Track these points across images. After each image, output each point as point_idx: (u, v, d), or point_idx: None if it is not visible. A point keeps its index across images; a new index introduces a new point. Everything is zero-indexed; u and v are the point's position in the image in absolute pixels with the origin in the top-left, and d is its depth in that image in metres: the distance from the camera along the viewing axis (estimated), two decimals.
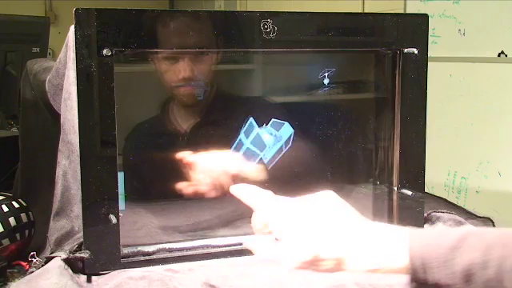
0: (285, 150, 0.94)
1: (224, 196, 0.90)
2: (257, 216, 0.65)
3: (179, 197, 0.91)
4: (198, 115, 0.95)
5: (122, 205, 0.82)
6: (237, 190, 0.68)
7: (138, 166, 0.91)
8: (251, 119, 0.92)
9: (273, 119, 0.94)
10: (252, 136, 0.93)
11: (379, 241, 0.58)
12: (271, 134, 0.94)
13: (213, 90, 0.95)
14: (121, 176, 0.81)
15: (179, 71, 0.89)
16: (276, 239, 0.63)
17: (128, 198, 0.84)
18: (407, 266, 0.55)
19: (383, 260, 0.57)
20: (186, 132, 0.94)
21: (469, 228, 0.56)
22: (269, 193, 0.67)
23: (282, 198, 0.65)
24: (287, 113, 0.96)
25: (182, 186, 0.89)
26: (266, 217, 0.64)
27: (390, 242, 0.58)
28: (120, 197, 0.80)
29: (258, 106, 0.99)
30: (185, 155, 0.89)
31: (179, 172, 0.90)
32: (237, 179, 0.90)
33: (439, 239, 0.55)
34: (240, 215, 0.93)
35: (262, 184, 0.94)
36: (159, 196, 0.91)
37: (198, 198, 0.92)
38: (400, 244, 0.57)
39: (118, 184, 0.79)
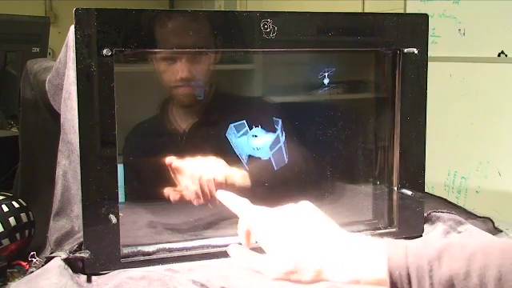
0: (283, 149, 0.94)
1: (209, 203, 0.90)
2: (241, 223, 0.67)
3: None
4: (197, 115, 0.95)
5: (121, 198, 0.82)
6: (221, 196, 0.71)
7: (138, 165, 0.91)
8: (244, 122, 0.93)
9: (273, 118, 0.94)
10: (242, 137, 0.93)
11: (359, 252, 0.58)
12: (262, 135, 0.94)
13: (212, 90, 0.95)
14: (120, 170, 0.81)
15: (177, 72, 0.89)
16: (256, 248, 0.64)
17: (128, 198, 0.84)
18: (386, 277, 0.55)
19: (363, 271, 0.57)
20: (185, 132, 0.94)
21: (449, 239, 0.56)
22: (245, 201, 0.68)
23: (260, 207, 0.67)
24: (287, 113, 0.96)
25: (167, 191, 0.89)
26: (248, 225, 0.66)
27: (369, 253, 0.58)
28: (120, 191, 0.80)
29: (258, 106, 0.99)
30: (172, 160, 0.89)
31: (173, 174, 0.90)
32: (222, 186, 0.90)
33: (420, 250, 0.55)
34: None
35: (263, 185, 0.94)
36: (159, 196, 0.91)
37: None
38: (379, 255, 0.56)
39: (119, 180, 0.79)
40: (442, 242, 0.56)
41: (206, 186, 0.89)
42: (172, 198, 0.89)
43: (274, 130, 0.94)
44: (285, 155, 0.95)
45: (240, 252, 0.66)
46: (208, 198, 0.89)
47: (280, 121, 0.94)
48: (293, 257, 0.60)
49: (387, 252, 0.56)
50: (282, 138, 0.94)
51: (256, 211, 0.66)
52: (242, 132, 0.92)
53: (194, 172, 0.89)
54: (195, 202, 0.89)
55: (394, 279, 0.54)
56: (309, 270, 0.59)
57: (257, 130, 0.93)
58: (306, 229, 0.62)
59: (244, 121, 0.92)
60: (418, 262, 0.54)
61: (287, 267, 0.60)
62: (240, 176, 0.93)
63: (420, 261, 0.54)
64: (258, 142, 0.93)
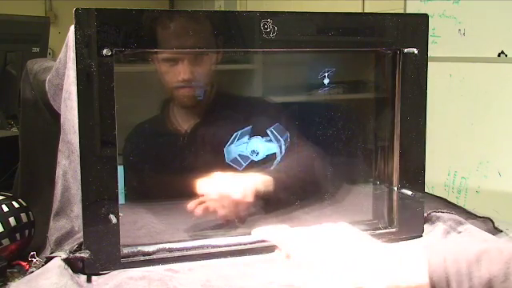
0: (283, 153, 0.94)
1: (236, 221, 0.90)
2: (281, 251, 0.69)
3: (179, 197, 0.92)
4: (198, 115, 0.95)
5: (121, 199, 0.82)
6: (259, 235, 0.74)
7: (138, 165, 0.91)
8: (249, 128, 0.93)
9: (277, 123, 0.94)
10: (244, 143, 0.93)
11: (398, 258, 0.60)
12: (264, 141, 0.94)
13: (213, 90, 0.95)
14: (120, 171, 0.81)
15: (179, 73, 0.89)
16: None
17: (128, 198, 0.84)
18: (427, 281, 0.57)
19: (403, 276, 0.59)
20: (186, 132, 0.94)
21: (486, 244, 0.58)
22: (284, 228, 0.71)
23: (299, 229, 0.69)
24: (287, 113, 0.96)
25: (192, 205, 0.89)
26: (288, 250, 0.68)
27: (409, 259, 0.60)
28: (120, 193, 0.80)
29: (258, 106, 0.99)
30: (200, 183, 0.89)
31: (179, 172, 0.90)
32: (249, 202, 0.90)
33: (458, 254, 0.57)
34: (240, 215, 0.93)
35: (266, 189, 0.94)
36: (159, 196, 0.91)
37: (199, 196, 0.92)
38: (419, 260, 0.58)
39: (118, 182, 0.79)
40: (480, 247, 0.58)
41: (235, 209, 0.89)
42: (196, 213, 0.89)
43: (275, 135, 0.94)
44: (285, 156, 0.95)
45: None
46: (236, 218, 0.90)
47: (278, 124, 0.94)
48: (333, 271, 0.62)
49: (426, 257, 0.58)
50: (282, 141, 0.94)
51: (295, 235, 0.69)
52: (242, 140, 0.93)
53: (222, 193, 0.89)
54: (222, 221, 0.90)
55: (433, 282, 0.56)
56: (350, 282, 0.61)
57: (256, 139, 0.93)
58: (344, 243, 0.64)
59: (250, 127, 0.93)
60: (457, 265, 0.56)
61: (329, 281, 0.62)
62: (264, 183, 0.93)
63: (459, 264, 0.56)
64: (258, 146, 0.93)
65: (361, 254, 0.62)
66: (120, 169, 0.80)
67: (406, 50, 0.90)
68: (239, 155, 0.94)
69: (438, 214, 0.97)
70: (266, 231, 0.73)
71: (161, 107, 0.96)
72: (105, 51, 0.76)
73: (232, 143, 0.93)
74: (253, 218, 0.94)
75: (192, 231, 0.90)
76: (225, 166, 0.95)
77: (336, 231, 0.66)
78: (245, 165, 0.94)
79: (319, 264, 0.63)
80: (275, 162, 0.96)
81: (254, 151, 0.94)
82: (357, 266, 0.61)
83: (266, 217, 0.94)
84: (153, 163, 0.91)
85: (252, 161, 0.95)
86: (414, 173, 0.93)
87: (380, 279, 0.59)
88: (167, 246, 0.85)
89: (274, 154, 0.96)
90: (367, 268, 0.60)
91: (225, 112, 0.96)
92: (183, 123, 0.94)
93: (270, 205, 0.95)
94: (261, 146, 0.94)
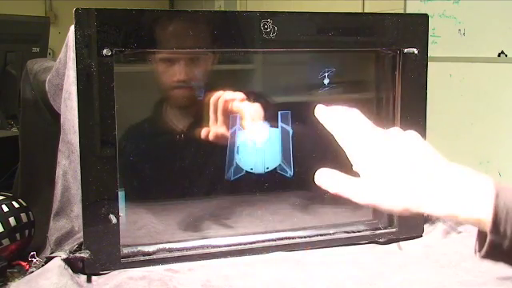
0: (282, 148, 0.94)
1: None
2: (322, 173, 0.62)
3: (179, 196, 0.91)
4: (194, 116, 0.95)
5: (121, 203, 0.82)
6: (318, 111, 0.66)
7: (136, 166, 0.91)
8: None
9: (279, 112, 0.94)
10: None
11: (464, 186, 0.55)
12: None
13: (211, 91, 0.95)
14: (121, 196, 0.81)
15: (175, 74, 0.89)
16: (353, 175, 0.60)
17: (128, 198, 0.84)
18: (490, 218, 0.52)
19: (465, 206, 0.54)
20: (182, 131, 0.94)
21: None
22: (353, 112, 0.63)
23: (363, 126, 0.62)
24: (286, 112, 0.95)
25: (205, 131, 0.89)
26: (348, 147, 0.61)
27: (475, 188, 0.54)
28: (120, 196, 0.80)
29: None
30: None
31: (177, 171, 0.90)
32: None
33: None
34: (239, 215, 0.93)
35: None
36: (159, 196, 0.91)
37: (197, 198, 0.92)
38: (486, 192, 0.53)
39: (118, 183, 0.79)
40: None
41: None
42: (203, 135, 0.89)
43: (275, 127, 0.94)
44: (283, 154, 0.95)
45: (328, 176, 0.62)
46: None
47: (280, 118, 0.94)
48: (388, 184, 0.57)
49: (495, 190, 0.53)
50: (280, 137, 0.94)
51: (358, 128, 0.62)
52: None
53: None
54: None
55: (497, 219, 0.52)
56: (400, 199, 0.56)
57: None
58: (408, 157, 0.58)
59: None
60: None
61: (380, 194, 0.57)
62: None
63: None
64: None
65: (426, 172, 0.56)
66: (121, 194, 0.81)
67: (405, 50, 0.90)
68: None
69: None
70: (331, 116, 0.64)
71: (158, 107, 0.95)
72: (105, 51, 0.76)
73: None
74: (248, 214, 0.94)
75: (192, 231, 0.90)
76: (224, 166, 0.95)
77: (404, 142, 0.59)
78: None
79: (378, 176, 0.57)
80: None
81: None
82: (418, 186, 0.56)
83: (263, 214, 0.94)
84: (150, 163, 0.91)
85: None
86: None
87: (440, 205, 0.55)
88: (167, 246, 0.85)
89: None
90: (429, 190, 0.55)
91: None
92: (179, 123, 0.94)
93: (268, 201, 0.95)
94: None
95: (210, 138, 0.90)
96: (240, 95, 0.90)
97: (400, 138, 0.60)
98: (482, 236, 0.55)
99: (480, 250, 0.55)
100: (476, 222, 0.54)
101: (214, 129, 0.90)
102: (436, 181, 0.56)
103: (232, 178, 0.92)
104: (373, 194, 0.58)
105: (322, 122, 0.66)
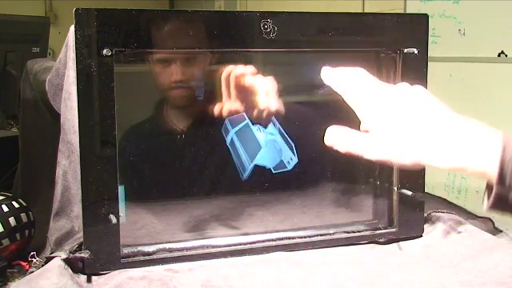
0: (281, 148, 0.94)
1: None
2: (332, 131, 0.63)
3: (179, 196, 0.91)
4: (193, 116, 0.95)
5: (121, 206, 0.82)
6: (324, 74, 0.66)
7: (136, 166, 0.91)
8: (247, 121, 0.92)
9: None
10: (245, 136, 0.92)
11: (472, 138, 0.54)
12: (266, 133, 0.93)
13: (209, 90, 0.94)
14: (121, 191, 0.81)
15: (171, 74, 0.89)
16: (362, 131, 0.60)
17: (128, 198, 0.84)
18: (496, 171, 0.52)
19: (472, 159, 0.54)
20: (182, 132, 0.94)
21: None
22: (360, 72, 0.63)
23: (370, 81, 0.61)
24: (286, 112, 0.95)
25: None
26: (356, 105, 0.61)
27: (483, 141, 0.54)
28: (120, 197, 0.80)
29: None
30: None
31: (177, 171, 0.90)
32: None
33: None
34: (240, 215, 0.93)
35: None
36: (159, 196, 0.91)
37: (198, 198, 0.92)
38: (493, 145, 0.53)
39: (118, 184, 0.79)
40: None
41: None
42: (216, 112, 0.88)
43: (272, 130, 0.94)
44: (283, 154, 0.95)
45: (338, 134, 0.62)
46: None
47: (276, 121, 0.94)
48: (397, 138, 0.57)
49: (503, 143, 0.52)
50: (280, 138, 0.94)
51: (365, 85, 0.62)
52: (239, 126, 0.92)
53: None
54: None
55: (503, 172, 0.51)
56: (410, 153, 0.56)
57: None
58: (416, 111, 0.58)
59: (243, 113, 0.92)
60: None
61: (389, 148, 0.57)
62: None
63: None
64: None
65: (434, 125, 0.56)
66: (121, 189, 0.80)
67: (405, 50, 0.90)
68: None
69: (437, 214, 0.97)
70: (337, 75, 0.64)
71: (157, 107, 0.95)
72: (105, 51, 0.76)
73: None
74: (248, 214, 0.94)
75: (192, 231, 0.90)
76: (224, 165, 0.95)
77: (411, 96, 0.59)
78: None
79: (388, 132, 0.57)
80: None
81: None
82: (427, 139, 0.56)
83: (263, 214, 0.94)
84: (150, 163, 0.91)
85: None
86: (414, 173, 0.93)
87: (449, 157, 0.54)
88: (167, 246, 0.85)
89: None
90: (438, 142, 0.55)
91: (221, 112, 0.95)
92: (179, 123, 0.94)
93: (268, 201, 0.95)
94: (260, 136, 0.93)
95: (224, 114, 0.89)
96: (251, 69, 0.89)
97: (407, 92, 0.60)
98: (489, 188, 0.55)
99: (487, 202, 0.54)
100: (483, 175, 0.54)
101: (227, 105, 0.89)
102: (444, 133, 0.56)
103: (245, 177, 0.92)
104: (383, 150, 0.58)
105: (327, 83, 0.66)
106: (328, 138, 0.62)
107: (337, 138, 0.62)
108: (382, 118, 0.59)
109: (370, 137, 0.59)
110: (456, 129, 0.56)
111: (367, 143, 0.59)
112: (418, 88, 0.61)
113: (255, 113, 0.90)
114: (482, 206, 0.55)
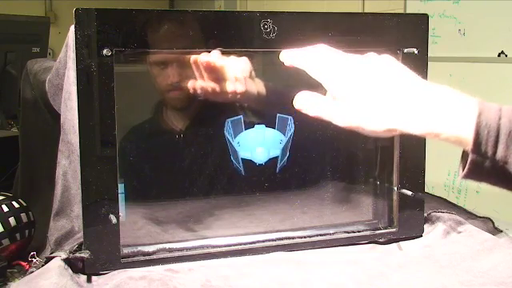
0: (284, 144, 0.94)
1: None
2: (303, 94, 0.62)
3: (179, 196, 0.91)
4: (191, 117, 0.95)
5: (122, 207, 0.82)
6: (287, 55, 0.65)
7: (136, 166, 0.91)
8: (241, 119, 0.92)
9: (278, 115, 0.93)
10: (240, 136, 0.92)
11: (444, 104, 0.53)
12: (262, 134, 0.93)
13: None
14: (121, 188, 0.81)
15: (168, 76, 0.89)
16: (330, 98, 0.59)
17: (128, 198, 0.84)
18: (471, 136, 0.50)
19: (446, 124, 0.52)
20: (181, 132, 0.94)
21: None
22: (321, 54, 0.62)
23: (334, 51, 0.61)
24: (286, 112, 0.95)
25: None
26: (322, 75, 0.60)
27: (458, 107, 0.52)
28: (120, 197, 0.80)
29: (256, 105, 0.99)
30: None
31: (177, 171, 0.90)
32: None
33: None
34: (239, 215, 0.93)
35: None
36: (159, 196, 0.91)
37: (197, 198, 0.92)
38: (468, 111, 0.51)
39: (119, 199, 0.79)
40: None
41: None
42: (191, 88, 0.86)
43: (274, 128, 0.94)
44: (285, 155, 0.95)
45: (307, 99, 0.61)
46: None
47: (278, 119, 0.94)
48: (365, 104, 0.56)
49: (478, 109, 0.51)
50: (282, 137, 0.94)
51: (329, 56, 0.61)
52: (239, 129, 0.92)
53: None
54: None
55: (479, 138, 0.50)
56: (381, 119, 0.55)
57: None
58: (385, 77, 0.57)
59: (241, 116, 0.91)
60: (510, 124, 0.49)
61: (359, 115, 0.56)
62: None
63: None
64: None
65: (403, 91, 0.55)
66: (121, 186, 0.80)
67: (405, 50, 0.90)
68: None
69: (438, 214, 0.97)
70: (298, 53, 0.63)
71: (156, 109, 0.95)
72: (105, 51, 0.76)
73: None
74: (248, 214, 0.94)
75: (192, 231, 0.90)
76: (224, 164, 0.95)
77: (379, 64, 0.59)
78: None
79: (356, 99, 0.56)
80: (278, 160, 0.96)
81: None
82: (397, 106, 0.54)
83: (262, 214, 0.94)
84: (149, 164, 0.91)
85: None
86: (414, 173, 0.93)
87: (419, 122, 0.53)
88: (167, 246, 0.85)
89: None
90: (407, 108, 0.54)
91: (220, 112, 0.95)
92: (178, 124, 0.94)
93: (268, 201, 0.95)
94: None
95: (200, 92, 0.86)
96: (216, 52, 0.85)
97: (375, 61, 0.60)
98: (465, 156, 0.53)
99: (463, 171, 0.53)
100: (458, 141, 0.53)
101: (201, 83, 0.86)
102: (416, 99, 0.55)
103: (243, 172, 0.91)
104: (354, 117, 0.57)
105: (288, 63, 0.65)
106: (298, 102, 0.62)
107: (306, 102, 0.62)
108: (350, 85, 0.58)
109: (341, 104, 0.59)
110: (429, 94, 0.55)
111: (338, 110, 0.59)
112: (386, 56, 0.60)
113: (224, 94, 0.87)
114: (458, 177, 0.54)
